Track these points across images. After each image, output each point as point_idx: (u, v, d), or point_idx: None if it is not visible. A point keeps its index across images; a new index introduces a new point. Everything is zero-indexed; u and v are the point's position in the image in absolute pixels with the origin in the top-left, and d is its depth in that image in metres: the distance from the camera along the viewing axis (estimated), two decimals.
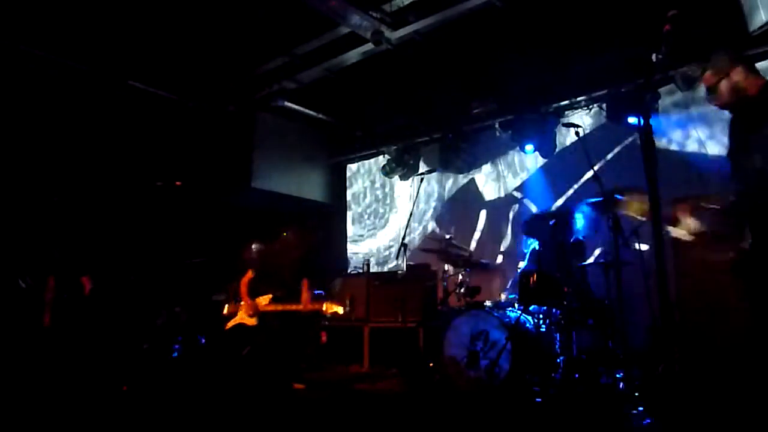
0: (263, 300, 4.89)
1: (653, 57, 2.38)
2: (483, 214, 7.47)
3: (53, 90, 6.11)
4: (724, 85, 2.71)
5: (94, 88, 6.41)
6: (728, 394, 3.50)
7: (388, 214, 8.56)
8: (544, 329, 4.59)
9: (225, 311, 5.07)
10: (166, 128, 7.05)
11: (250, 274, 5.06)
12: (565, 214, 5.06)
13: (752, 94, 2.67)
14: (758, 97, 2.65)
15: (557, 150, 6.65)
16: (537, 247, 5.10)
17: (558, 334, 4.54)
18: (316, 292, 4.99)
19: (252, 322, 4.83)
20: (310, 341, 6.59)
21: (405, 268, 6.25)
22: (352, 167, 9.23)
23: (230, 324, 4.98)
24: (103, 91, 6.49)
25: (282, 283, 4.91)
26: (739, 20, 4.47)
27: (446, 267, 5.72)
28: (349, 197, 9.10)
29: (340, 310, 4.80)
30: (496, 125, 7.11)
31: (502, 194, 7.32)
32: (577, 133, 4.75)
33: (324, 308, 4.74)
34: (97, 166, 6.30)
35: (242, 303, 4.98)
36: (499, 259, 6.99)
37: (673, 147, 5.90)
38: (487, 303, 5.05)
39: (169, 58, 6.48)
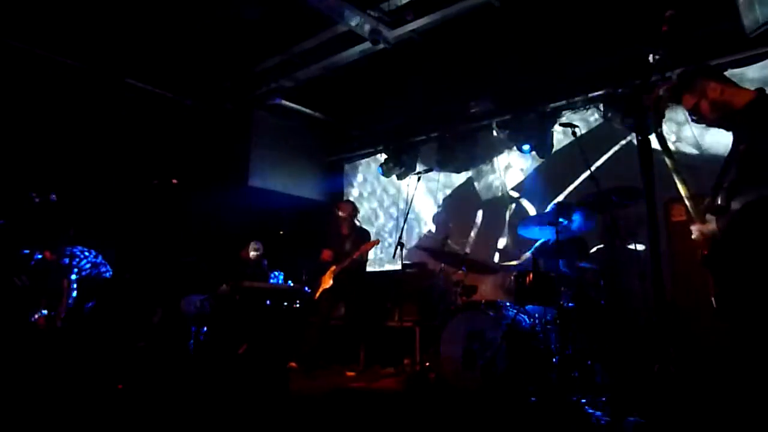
0: (335, 267, 6.04)
1: (650, 58, 2.38)
2: (480, 213, 7.48)
3: (50, 88, 6.09)
4: (704, 105, 2.64)
5: (91, 85, 6.40)
6: (724, 394, 3.51)
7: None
8: (539, 329, 4.60)
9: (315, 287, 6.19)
10: (163, 126, 7.04)
11: (329, 251, 6.21)
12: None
13: (737, 107, 2.58)
14: (745, 111, 2.55)
15: (554, 150, 6.66)
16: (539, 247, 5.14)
17: (554, 334, 4.55)
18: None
19: (329, 283, 5.99)
20: (305, 340, 6.59)
21: (402, 268, 6.25)
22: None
23: (318, 293, 6.07)
24: (101, 89, 6.48)
25: (343, 251, 6.11)
26: (735, 21, 4.49)
27: (443, 266, 5.73)
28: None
29: (373, 247, 6.08)
30: (494, 125, 7.12)
31: (499, 194, 7.33)
32: (574, 133, 4.75)
33: (368, 249, 5.96)
34: (94, 164, 6.28)
35: (323, 276, 6.12)
36: (496, 258, 7.00)
37: (670, 147, 5.90)
38: (484, 302, 5.05)
39: (166, 56, 6.47)
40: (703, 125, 2.85)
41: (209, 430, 3.59)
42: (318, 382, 5.24)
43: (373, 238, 6.29)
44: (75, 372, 4.70)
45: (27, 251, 5.29)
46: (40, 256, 5.31)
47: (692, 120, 2.83)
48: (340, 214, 6.29)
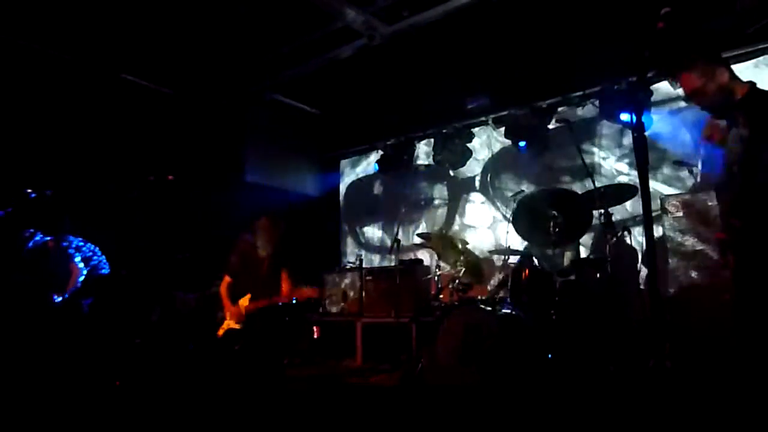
0: (244, 301, 4.72)
1: (646, 54, 2.39)
2: (476, 209, 7.49)
3: (45, 83, 6.05)
4: (710, 87, 2.76)
5: (86, 81, 6.36)
6: (719, 389, 3.54)
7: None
8: (536, 324, 4.61)
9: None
10: (158, 122, 7.00)
11: (227, 279, 4.90)
12: None
13: (738, 96, 2.74)
14: (743, 101, 2.72)
15: (550, 146, 6.67)
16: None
17: (550, 329, 4.56)
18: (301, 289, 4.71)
19: (239, 326, 4.69)
20: (302, 336, 6.60)
21: (398, 264, 6.26)
22: None
23: (221, 331, 4.79)
24: (96, 84, 6.45)
25: (259, 280, 4.74)
26: (731, 18, 4.50)
27: (439, 262, 5.74)
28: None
29: (313, 293, 4.68)
30: (490, 121, 7.12)
31: (495, 189, 7.34)
32: (570, 129, 4.78)
33: (301, 294, 4.62)
34: (89, 159, 6.25)
35: (226, 311, 4.80)
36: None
37: (666, 143, 5.93)
38: (480, 298, 5.06)
39: (162, 51, 6.44)
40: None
41: (206, 426, 3.60)
42: (314, 378, 5.26)
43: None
44: (72, 368, 4.70)
45: (28, 233, 5.25)
46: (40, 238, 5.28)
47: (687, 98, 2.97)
48: (261, 232, 4.92)
